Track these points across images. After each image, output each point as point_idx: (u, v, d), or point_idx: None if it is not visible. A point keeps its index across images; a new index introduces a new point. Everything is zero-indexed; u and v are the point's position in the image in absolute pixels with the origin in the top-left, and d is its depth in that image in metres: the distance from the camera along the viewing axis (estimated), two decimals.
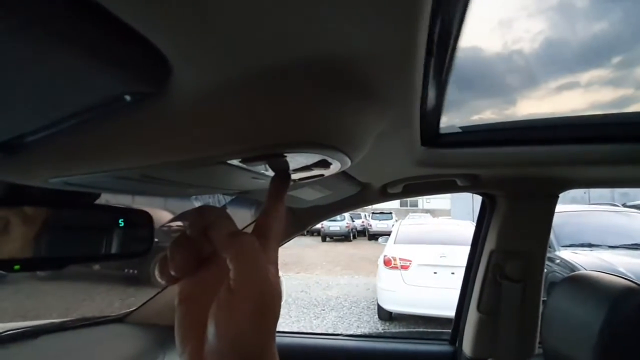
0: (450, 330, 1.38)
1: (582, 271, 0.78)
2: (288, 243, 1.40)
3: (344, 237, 15.68)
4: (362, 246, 13.47)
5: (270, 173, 0.43)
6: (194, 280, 0.31)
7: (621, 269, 3.16)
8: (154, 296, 1.19)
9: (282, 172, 0.38)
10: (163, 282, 0.31)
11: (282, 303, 0.31)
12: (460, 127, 0.87)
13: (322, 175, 0.46)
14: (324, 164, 0.39)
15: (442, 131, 0.83)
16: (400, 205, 25.32)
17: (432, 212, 19.86)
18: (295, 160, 0.39)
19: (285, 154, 0.35)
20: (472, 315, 1.24)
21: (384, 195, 1.12)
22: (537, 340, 1.13)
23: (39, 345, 0.88)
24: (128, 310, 1.21)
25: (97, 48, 0.20)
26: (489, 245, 1.22)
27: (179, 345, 0.30)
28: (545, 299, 1.10)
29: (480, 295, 1.22)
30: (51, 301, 4.50)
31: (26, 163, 0.34)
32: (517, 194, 1.14)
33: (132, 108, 0.26)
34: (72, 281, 4.94)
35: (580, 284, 0.74)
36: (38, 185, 0.39)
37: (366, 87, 0.33)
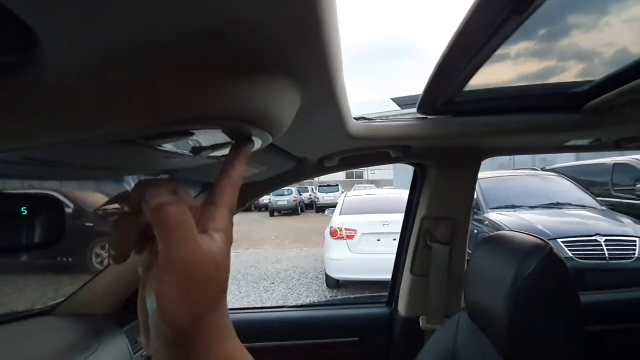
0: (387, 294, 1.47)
1: (499, 232, 0.86)
2: (236, 220, 1.37)
3: (292, 211, 15.81)
4: (310, 219, 13.67)
5: (186, 152, 0.41)
6: (153, 251, 0.30)
7: (539, 227, 3.55)
8: (84, 286, 1.12)
9: (242, 138, 0.36)
10: (112, 262, 0.29)
11: (231, 279, 0.29)
12: (392, 99, 0.89)
13: None
14: None
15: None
16: (347, 177, 25.91)
17: (377, 183, 20.57)
18: (210, 136, 0.36)
19: (193, 131, 0.33)
20: (407, 278, 1.33)
21: (322, 168, 1.13)
22: (463, 296, 1.24)
23: None
24: (56, 302, 1.13)
25: None
26: (421, 212, 1.29)
27: (139, 314, 0.30)
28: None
29: (414, 259, 1.30)
30: None
31: None
32: (445, 162, 1.21)
33: None
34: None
35: (496, 244, 0.81)
36: None
37: (275, 60, 0.31)
